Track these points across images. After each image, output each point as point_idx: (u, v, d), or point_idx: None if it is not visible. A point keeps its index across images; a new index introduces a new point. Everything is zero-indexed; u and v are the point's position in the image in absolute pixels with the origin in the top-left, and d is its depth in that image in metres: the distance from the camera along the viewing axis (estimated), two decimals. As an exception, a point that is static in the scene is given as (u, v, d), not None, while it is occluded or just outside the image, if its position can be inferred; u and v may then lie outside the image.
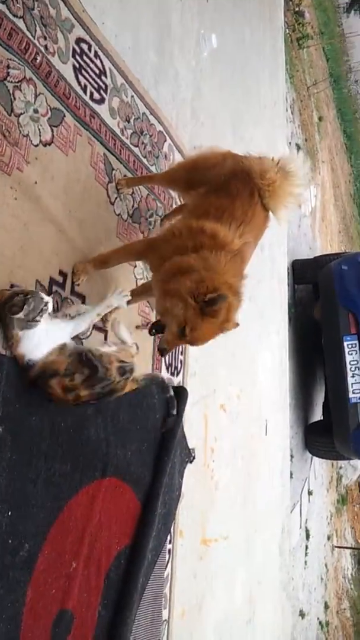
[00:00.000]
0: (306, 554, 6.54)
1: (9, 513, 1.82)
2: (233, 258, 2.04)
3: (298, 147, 7.67)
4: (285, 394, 5.44)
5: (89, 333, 2.23)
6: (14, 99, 1.94)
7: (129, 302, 2.23)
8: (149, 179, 2.82)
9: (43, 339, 1.90)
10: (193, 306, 1.95)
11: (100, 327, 2.34)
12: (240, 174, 2.21)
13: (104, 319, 2.29)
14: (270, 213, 2.30)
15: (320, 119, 9.83)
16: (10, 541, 1.82)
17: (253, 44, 5.11)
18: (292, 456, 5.87)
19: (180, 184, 2.42)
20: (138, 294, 2.48)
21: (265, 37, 5.62)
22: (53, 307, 1.89)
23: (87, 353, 1.95)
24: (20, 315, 1.79)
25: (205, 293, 1.93)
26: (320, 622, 7.01)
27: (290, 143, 7.04)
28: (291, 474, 5.68)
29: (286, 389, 5.44)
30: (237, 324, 2.08)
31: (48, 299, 1.87)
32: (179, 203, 3.00)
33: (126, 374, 2.02)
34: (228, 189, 2.18)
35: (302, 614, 6.10)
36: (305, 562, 6.49)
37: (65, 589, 2.07)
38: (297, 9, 8.20)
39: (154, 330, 2.18)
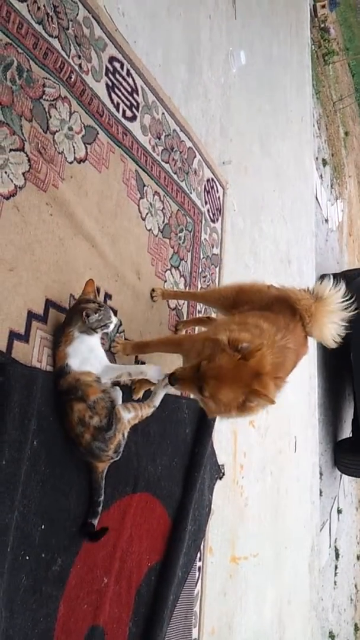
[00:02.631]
0: (335, 574, 6.40)
1: (42, 527, 1.82)
2: (277, 351, 2.00)
3: (324, 162, 7.66)
4: (314, 410, 5.37)
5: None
6: (50, 116, 1.98)
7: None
8: (191, 296, 2.87)
9: (87, 354, 1.94)
10: (223, 345, 1.87)
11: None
12: (283, 300, 2.27)
13: (132, 385, 2.34)
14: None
15: (346, 133, 9.81)
16: (43, 555, 1.82)
17: (280, 59, 5.15)
18: (321, 474, 5.78)
19: (226, 303, 2.46)
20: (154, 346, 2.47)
21: (292, 53, 5.65)
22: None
23: (117, 410, 1.98)
24: (92, 318, 1.89)
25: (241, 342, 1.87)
26: (350, 645, 6.85)
27: (317, 158, 7.04)
28: (320, 492, 5.60)
29: (315, 404, 5.38)
30: (273, 401, 1.87)
31: (114, 319, 1.99)
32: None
33: (117, 453, 2.02)
34: (272, 309, 2.23)
35: (332, 636, 5.96)
36: (335, 582, 6.36)
37: (96, 604, 2.06)
38: (322, 26, 8.24)
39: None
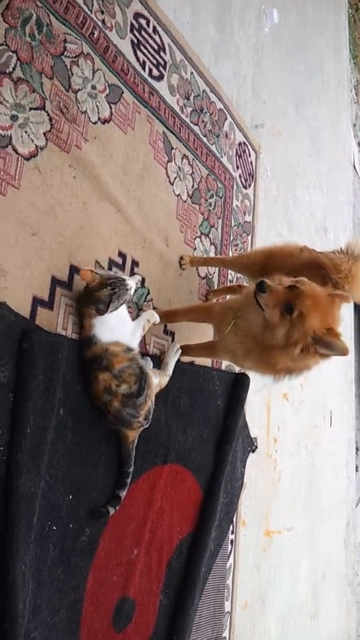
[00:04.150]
0: (372, 550, 6.32)
1: (70, 497, 1.79)
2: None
3: (362, 129, 7.38)
4: (350, 385, 5.25)
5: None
6: (72, 74, 1.90)
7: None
8: (220, 262, 2.76)
9: (117, 325, 1.88)
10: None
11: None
12: (316, 267, 2.14)
13: (161, 357, 2.27)
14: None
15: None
16: (71, 525, 1.79)
17: (315, 20, 4.92)
18: (357, 449, 5.67)
19: (254, 269, 2.34)
20: (194, 349, 2.40)
21: (328, 13, 5.40)
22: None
23: (147, 375, 1.93)
24: (111, 307, 1.80)
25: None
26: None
27: (354, 125, 6.78)
28: (357, 467, 5.50)
29: (352, 378, 5.25)
30: (346, 350, 1.82)
31: (132, 284, 1.87)
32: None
33: (147, 420, 1.97)
34: (302, 275, 2.04)
35: (367, 611, 5.90)
36: (371, 557, 6.28)
37: (126, 575, 2.04)
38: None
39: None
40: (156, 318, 2.09)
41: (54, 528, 1.72)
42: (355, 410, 5.47)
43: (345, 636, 4.82)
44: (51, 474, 1.71)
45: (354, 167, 6.38)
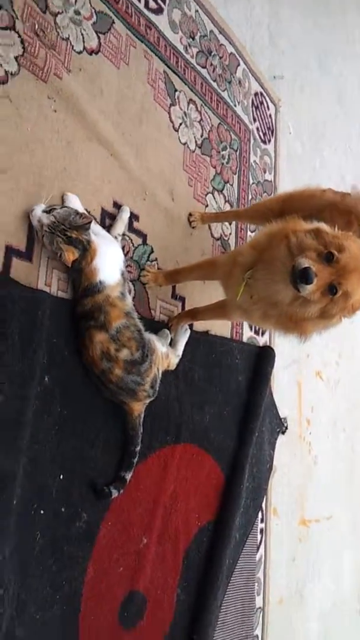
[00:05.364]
0: None
1: (61, 476, 1.56)
2: None
3: None
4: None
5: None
6: (49, -5, 1.66)
7: None
8: (235, 215, 2.47)
9: (110, 258, 1.65)
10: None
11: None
12: (342, 207, 1.84)
13: (169, 323, 2.06)
14: None
15: None
16: (63, 510, 1.56)
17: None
18: None
19: (273, 216, 2.00)
20: (204, 312, 2.12)
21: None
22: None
23: (150, 340, 1.74)
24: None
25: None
26: None
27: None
28: None
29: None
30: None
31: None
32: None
33: (154, 389, 1.76)
34: (323, 217, 1.75)
35: None
36: None
37: (135, 567, 1.80)
38: None
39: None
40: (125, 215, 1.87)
41: (41, 512, 1.49)
42: None
43: (395, 634, 4.48)
44: (36, 449, 1.48)
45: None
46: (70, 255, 1.52)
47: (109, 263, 1.63)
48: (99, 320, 1.60)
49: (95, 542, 1.65)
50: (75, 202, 1.66)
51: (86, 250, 1.56)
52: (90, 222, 1.55)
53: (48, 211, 1.51)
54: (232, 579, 2.25)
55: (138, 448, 1.77)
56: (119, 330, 1.62)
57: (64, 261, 1.53)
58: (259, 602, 2.53)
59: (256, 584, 2.50)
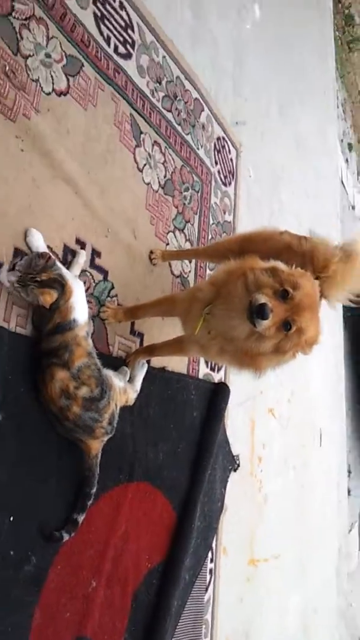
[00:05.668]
0: (366, 579, 5.99)
1: (11, 519, 1.52)
2: None
3: (350, 147, 7.29)
4: (341, 401, 5.00)
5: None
6: (21, 38, 1.68)
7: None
8: (194, 253, 2.57)
9: (82, 296, 1.66)
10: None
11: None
12: (298, 250, 1.92)
13: (127, 359, 2.07)
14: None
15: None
16: (12, 553, 1.52)
17: (299, 24, 4.78)
18: (349, 471, 5.39)
19: (232, 256, 2.09)
20: (161, 348, 2.15)
21: (313, 19, 5.28)
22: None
23: (107, 376, 1.74)
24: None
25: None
26: (383, 655, 6.41)
27: (342, 140, 6.67)
28: (349, 491, 5.21)
29: (342, 395, 5.00)
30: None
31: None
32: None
33: (111, 426, 1.75)
34: (280, 259, 1.79)
35: (363, 645, 5.55)
36: (365, 587, 5.94)
37: (82, 612, 1.75)
38: (347, 12, 7.80)
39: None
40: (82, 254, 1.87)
41: (-12, 555, 1.45)
42: (347, 429, 5.20)
43: (339, 674, 4.48)
44: (-16, 490, 1.45)
45: (342, 182, 6.25)
46: (48, 297, 1.53)
47: (81, 301, 1.63)
48: (62, 358, 1.59)
49: (43, 587, 1.61)
50: (37, 238, 1.67)
51: (63, 286, 1.57)
52: (50, 257, 1.55)
53: (12, 268, 1.51)
54: (180, 621, 2.22)
55: (93, 490, 1.75)
56: (80, 369, 1.62)
57: (42, 304, 1.53)
58: (206, 644, 2.50)
59: (204, 625, 2.47)
